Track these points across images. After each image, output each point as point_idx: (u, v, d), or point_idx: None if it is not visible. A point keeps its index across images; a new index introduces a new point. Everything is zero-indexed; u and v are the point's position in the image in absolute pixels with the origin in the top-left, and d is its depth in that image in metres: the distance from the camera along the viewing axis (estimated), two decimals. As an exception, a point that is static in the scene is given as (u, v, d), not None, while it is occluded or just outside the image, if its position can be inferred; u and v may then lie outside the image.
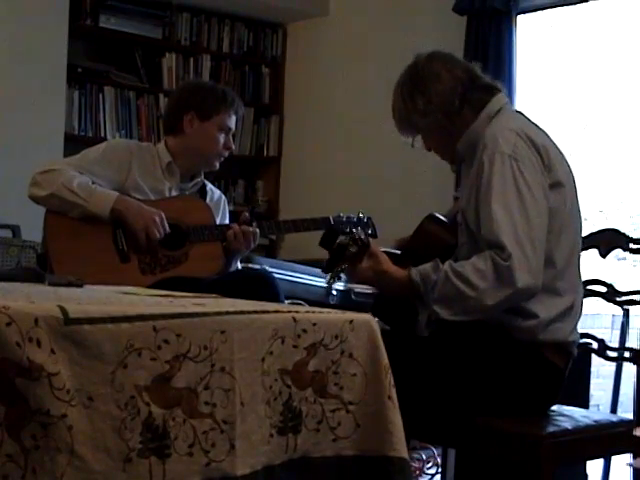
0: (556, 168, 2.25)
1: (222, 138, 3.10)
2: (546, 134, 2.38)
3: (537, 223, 2.16)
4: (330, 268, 2.31)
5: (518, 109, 2.49)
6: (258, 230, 3.00)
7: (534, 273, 2.12)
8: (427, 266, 2.21)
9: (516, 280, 2.09)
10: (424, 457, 3.79)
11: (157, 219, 2.90)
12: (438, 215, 2.49)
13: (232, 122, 3.12)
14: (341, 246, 2.29)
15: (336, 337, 1.72)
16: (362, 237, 2.31)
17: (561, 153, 2.37)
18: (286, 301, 3.17)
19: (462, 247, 2.31)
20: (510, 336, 2.21)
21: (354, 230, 2.34)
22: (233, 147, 3.16)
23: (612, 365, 3.33)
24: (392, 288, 2.30)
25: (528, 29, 4.65)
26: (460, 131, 2.35)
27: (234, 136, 5.57)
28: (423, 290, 2.20)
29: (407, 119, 2.39)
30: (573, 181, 2.36)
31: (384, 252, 2.35)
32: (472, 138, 2.31)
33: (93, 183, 2.92)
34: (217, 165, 3.15)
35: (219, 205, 3.21)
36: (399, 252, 2.45)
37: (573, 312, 2.30)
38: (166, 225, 2.92)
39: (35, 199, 2.91)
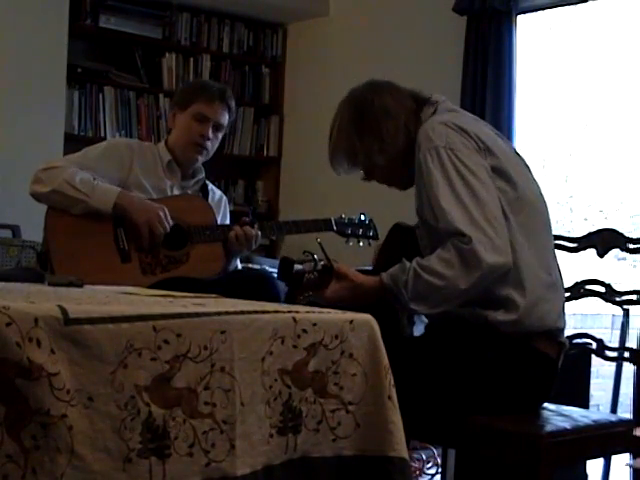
0: (495, 153, 2.25)
1: (196, 127, 3.05)
2: (484, 127, 2.38)
3: (489, 201, 2.16)
4: (291, 299, 2.31)
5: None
6: (260, 232, 3.00)
7: (500, 250, 2.12)
8: (396, 267, 2.23)
9: (482, 260, 2.10)
10: (424, 457, 3.79)
11: (161, 214, 2.89)
12: (404, 223, 2.50)
13: (211, 111, 3.05)
14: (298, 274, 2.29)
15: (336, 337, 1.72)
16: (318, 263, 2.31)
17: (505, 143, 2.38)
18: (286, 301, 3.17)
19: (425, 250, 2.32)
20: (499, 331, 2.21)
21: (313, 255, 2.34)
22: (209, 135, 3.06)
23: (612, 365, 3.34)
24: (369, 298, 2.31)
25: (528, 29, 4.65)
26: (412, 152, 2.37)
27: (232, 135, 5.61)
28: (396, 292, 2.21)
29: (362, 158, 2.40)
30: (527, 172, 2.37)
31: (356, 270, 2.36)
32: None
33: (95, 179, 2.92)
34: (197, 157, 3.08)
35: (220, 205, 3.21)
36: (366, 269, 2.46)
37: (558, 291, 2.29)
38: (169, 220, 2.91)
39: (37, 196, 2.91)
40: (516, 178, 2.27)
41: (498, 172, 2.24)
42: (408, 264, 2.21)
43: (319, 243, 2.39)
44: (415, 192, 2.34)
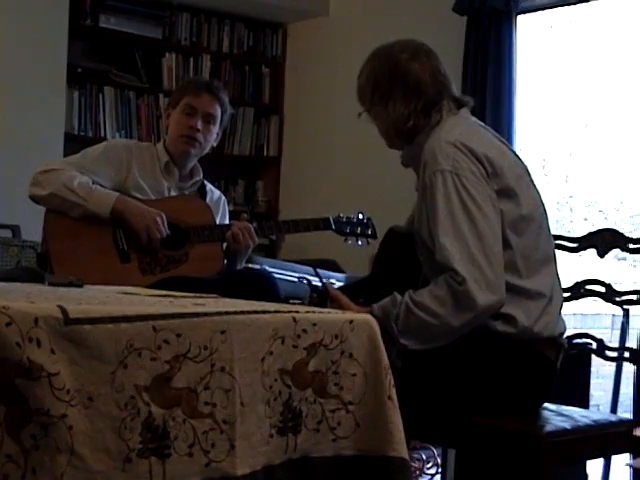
0: (503, 173, 2.22)
1: (186, 120, 3.04)
2: (490, 137, 2.33)
3: (489, 235, 2.14)
4: None
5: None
6: (251, 227, 2.98)
7: (493, 287, 2.11)
8: (387, 300, 2.21)
9: (476, 302, 2.09)
10: (424, 457, 3.79)
11: (158, 219, 2.89)
12: (399, 227, 2.49)
13: (199, 102, 3.04)
14: None
15: (336, 337, 1.72)
16: (314, 295, 2.34)
17: (512, 153, 2.35)
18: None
19: (424, 263, 2.31)
20: (500, 336, 2.21)
21: (309, 282, 2.35)
22: (198, 126, 3.04)
23: (612, 365, 3.34)
24: None
25: (528, 29, 4.65)
26: (411, 132, 2.34)
27: (232, 135, 5.60)
28: (387, 325, 2.17)
29: (385, 91, 2.35)
30: (529, 180, 2.34)
31: (349, 285, 2.35)
32: (415, 150, 2.31)
33: (93, 183, 2.92)
34: (189, 150, 3.05)
35: (219, 205, 3.21)
36: (363, 278, 2.46)
37: (552, 308, 2.27)
38: (167, 226, 2.92)
39: (36, 199, 2.92)
40: (519, 192, 2.24)
41: (503, 192, 2.21)
42: (399, 298, 2.18)
43: (314, 269, 2.39)
44: (416, 208, 2.31)
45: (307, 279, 2.37)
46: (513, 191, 2.23)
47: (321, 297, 2.34)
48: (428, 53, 2.38)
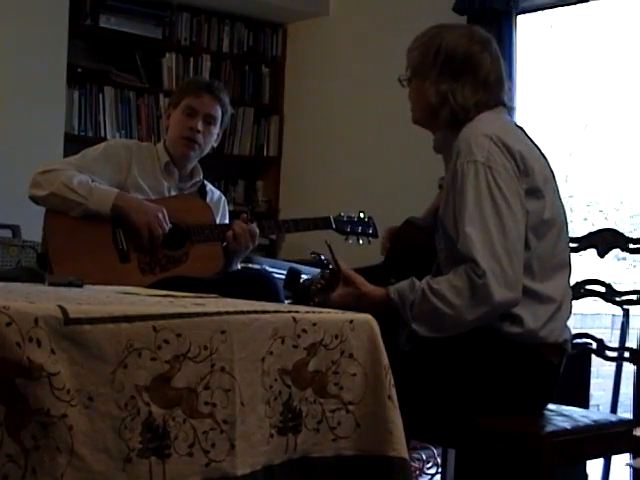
0: (533, 174, 2.21)
1: (186, 121, 3.04)
2: (525, 137, 2.33)
3: (513, 232, 2.13)
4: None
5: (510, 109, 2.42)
6: (258, 230, 2.99)
7: (511, 285, 2.10)
8: (404, 284, 2.20)
9: (493, 297, 2.08)
10: (424, 457, 3.79)
11: (160, 215, 2.89)
12: (416, 219, 2.47)
13: (199, 104, 3.04)
14: (305, 288, 2.29)
15: (336, 337, 1.72)
16: (325, 272, 2.31)
17: (542, 156, 2.33)
18: (286, 301, 3.17)
19: (441, 253, 2.30)
20: (504, 338, 2.21)
21: (320, 257, 2.33)
22: (199, 128, 3.04)
23: (612, 365, 3.34)
24: (373, 308, 2.24)
25: (528, 29, 4.65)
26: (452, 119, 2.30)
27: (232, 135, 5.60)
28: (402, 308, 2.18)
29: (457, 72, 2.28)
30: (555, 185, 2.33)
31: (360, 269, 2.34)
32: (453, 139, 2.28)
33: (93, 181, 2.92)
34: (189, 152, 3.05)
35: (219, 205, 3.21)
36: (375, 264, 2.45)
37: (560, 314, 2.27)
38: (168, 221, 2.91)
39: (35, 199, 2.92)
40: (546, 195, 2.23)
41: (531, 192, 2.20)
42: (417, 283, 2.17)
43: (328, 245, 2.36)
44: (443, 196, 2.29)
45: (320, 257, 2.33)
46: (541, 193, 2.22)
47: (333, 275, 2.32)
48: (497, 50, 2.35)
